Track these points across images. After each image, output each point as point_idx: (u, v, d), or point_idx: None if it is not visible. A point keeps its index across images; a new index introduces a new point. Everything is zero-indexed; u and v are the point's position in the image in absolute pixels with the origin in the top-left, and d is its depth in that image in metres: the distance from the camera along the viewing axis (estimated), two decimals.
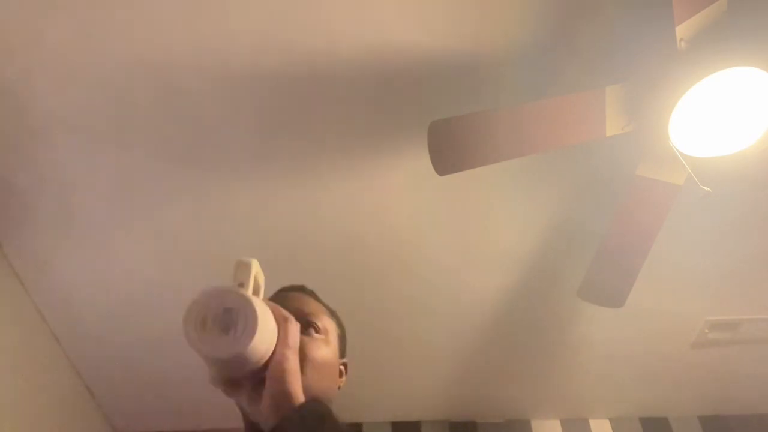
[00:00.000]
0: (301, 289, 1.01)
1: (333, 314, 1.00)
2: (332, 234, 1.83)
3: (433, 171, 1.35)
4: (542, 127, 1.34)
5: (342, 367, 0.98)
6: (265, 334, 0.68)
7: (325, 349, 0.90)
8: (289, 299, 0.95)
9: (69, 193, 1.70)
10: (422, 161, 1.48)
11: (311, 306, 0.95)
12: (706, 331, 2.17)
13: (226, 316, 0.65)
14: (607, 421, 2.54)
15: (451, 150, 1.34)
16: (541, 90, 1.48)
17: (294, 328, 0.72)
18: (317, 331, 0.90)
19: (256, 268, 0.72)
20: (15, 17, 1.33)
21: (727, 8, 1.17)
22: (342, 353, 0.99)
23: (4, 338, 1.84)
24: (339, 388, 0.96)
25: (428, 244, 1.88)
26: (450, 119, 1.31)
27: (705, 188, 1.36)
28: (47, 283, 1.93)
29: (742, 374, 2.35)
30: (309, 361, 0.85)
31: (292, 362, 0.70)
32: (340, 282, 1.93)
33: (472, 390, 2.39)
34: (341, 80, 1.48)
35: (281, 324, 0.72)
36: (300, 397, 0.68)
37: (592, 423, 2.53)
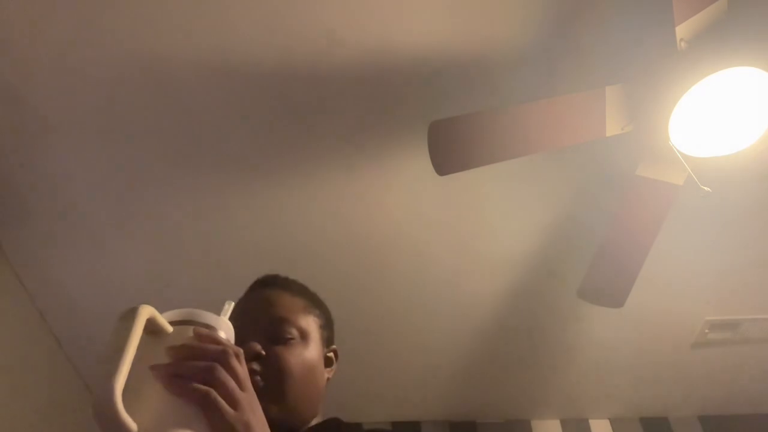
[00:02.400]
0: (273, 283, 0.97)
1: (312, 304, 0.96)
2: (332, 234, 1.83)
3: (434, 171, 1.35)
4: (542, 127, 1.34)
5: (331, 354, 0.96)
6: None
7: (303, 353, 0.88)
8: (257, 303, 0.93)
9: (69, 193, 1.70)
10: (422, 161, 1.48)
11: (283, 306, 0.92)
12: (706, 331, 2.17)
13: None
14: (607, 421, 2.53)
15: (451, 150, 1.34)
16: (541, 90, 1.48)
17: (230, 382, 0.52)
18: (292, 337, 0.87)
19: (141, 321, 0.50)
20: (14, 16, 1.33)
21: (728, 8, 1.18)
22: (328, 341, 0.96)
23: (4, 338, 1.84)
24: (328, 380, 0.94)
25: (428, 243, 1.87)
26: (450, 119, 1.31)
27: (705, 188, 1.36)
28: (47, 283, 1.92)
29: (742, 374, 2.35)
30: (287, 374, 0.83)
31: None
32: (340, 282, 1.92)
33: (472, 390, 2.39)
34: (341, 80, 1.48)
35: (202, 396, 0.50)
36: None
37: (592, 423, 2.53)
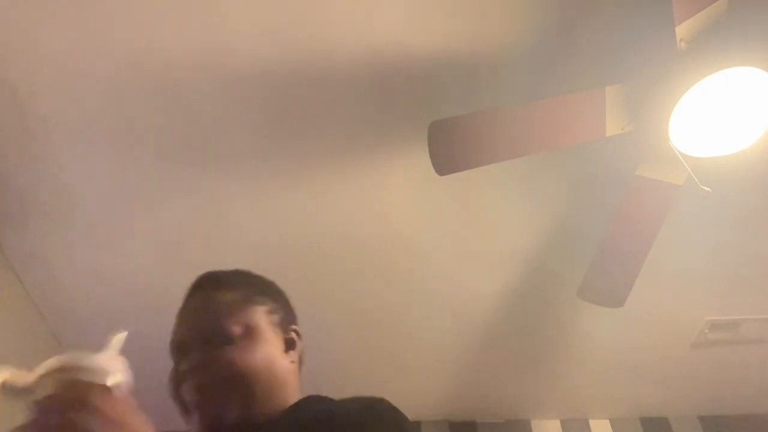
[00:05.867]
0: (205, 284, 0.93)
1: (252, 292, 0.91)
2: (332, 234, 1.83)
3: (434, 171, 1.35)
4: (542, 127, 1.34)
5: (292, 335, 0.91)
6: None
7: (254, 348, 0.84)
8: (192, 309, 0.90)
9: (69, 193, 1.70)
10: (422, 161, 1.48)
11: (218, 307, 0.87)
12: (706, 331, 2.17)
13: None
14: (607, 421, 2.53)
15: (451, 150, 1.34)
16: (541, 90, 1.48)
17: (97, 428, 0.52)
18: (235, 336, 0.83)
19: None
20: (14, 17, 1.33)
21: (728, 8, 1.17)
22: (283, 323, 0.91)
23: (4, 338, 1.84)
24: (293, 362, 0.89)
25: (428, 244, 1.87)
26: (450, 119, 1.31)
27: (705, 188, 1.36)
28: (47, 283, 1.92)
29: (742, 374, 2.35)
30: (239, 375, 0.80)
31: None
32: (339, 282, 1.92)
33: (472, 390, 2.39)
34: (341, 80, 1.48)
35: None
36: None
37: (592, 423, 2.53)
